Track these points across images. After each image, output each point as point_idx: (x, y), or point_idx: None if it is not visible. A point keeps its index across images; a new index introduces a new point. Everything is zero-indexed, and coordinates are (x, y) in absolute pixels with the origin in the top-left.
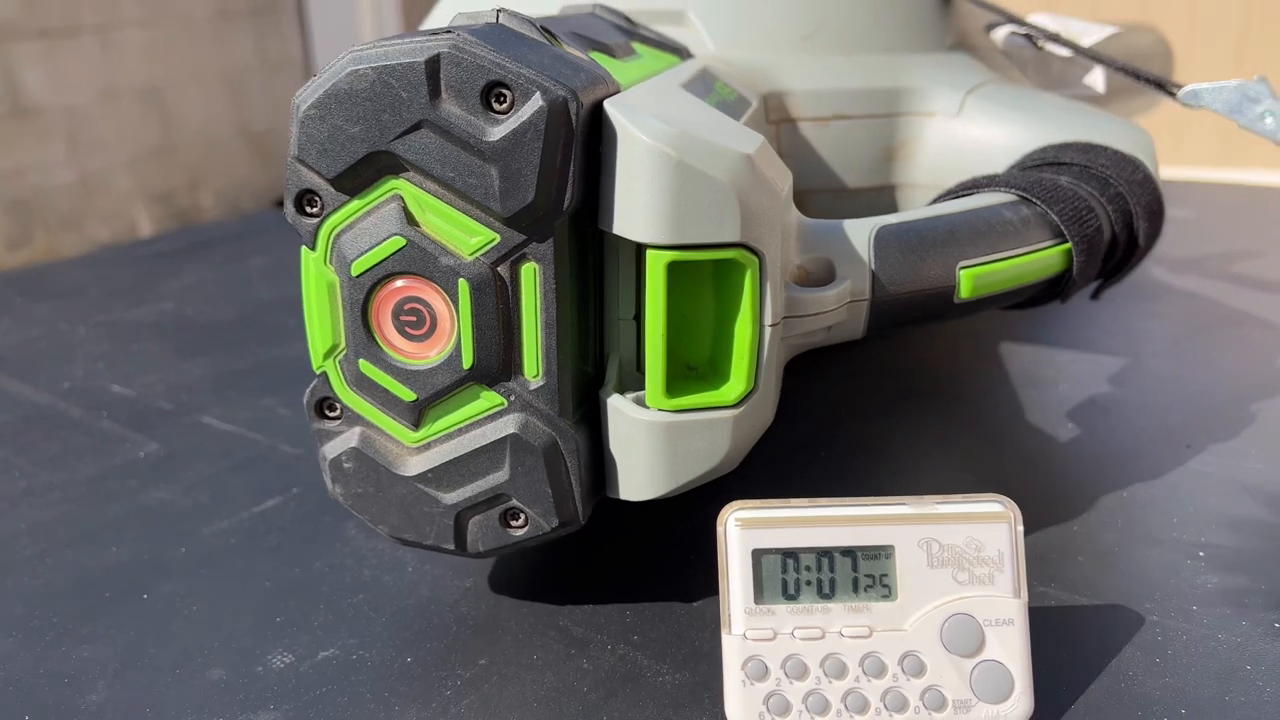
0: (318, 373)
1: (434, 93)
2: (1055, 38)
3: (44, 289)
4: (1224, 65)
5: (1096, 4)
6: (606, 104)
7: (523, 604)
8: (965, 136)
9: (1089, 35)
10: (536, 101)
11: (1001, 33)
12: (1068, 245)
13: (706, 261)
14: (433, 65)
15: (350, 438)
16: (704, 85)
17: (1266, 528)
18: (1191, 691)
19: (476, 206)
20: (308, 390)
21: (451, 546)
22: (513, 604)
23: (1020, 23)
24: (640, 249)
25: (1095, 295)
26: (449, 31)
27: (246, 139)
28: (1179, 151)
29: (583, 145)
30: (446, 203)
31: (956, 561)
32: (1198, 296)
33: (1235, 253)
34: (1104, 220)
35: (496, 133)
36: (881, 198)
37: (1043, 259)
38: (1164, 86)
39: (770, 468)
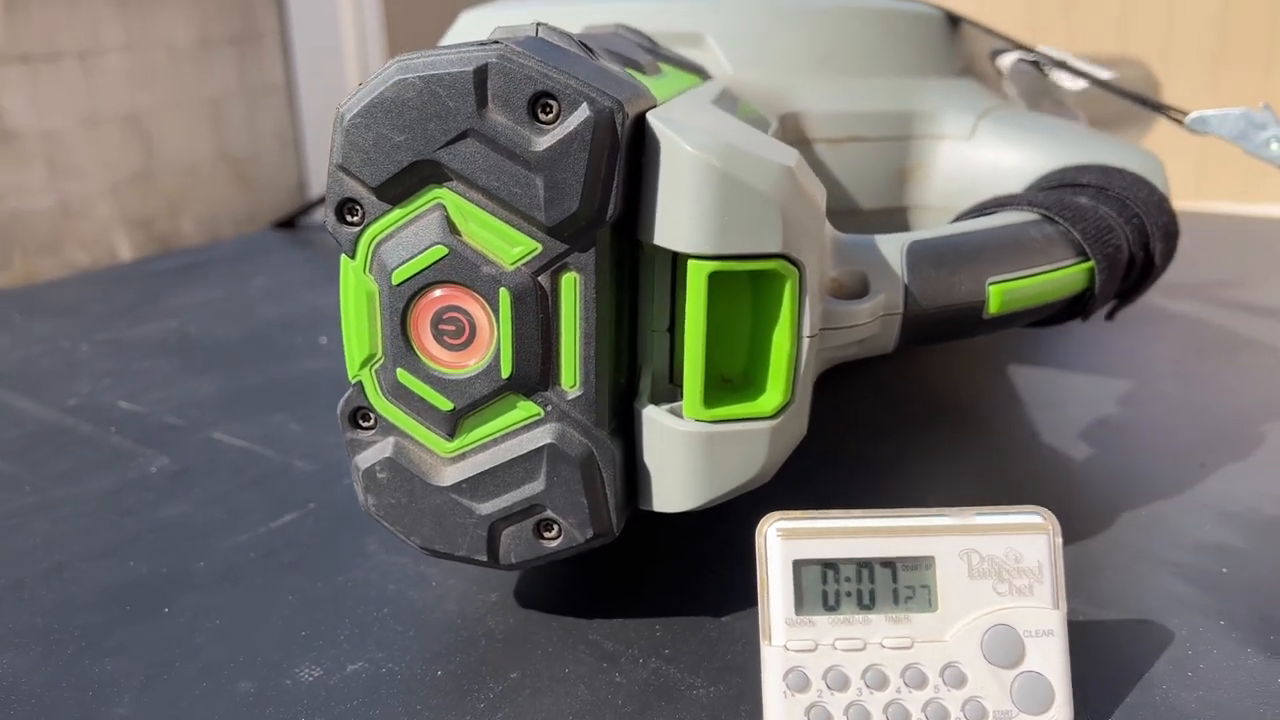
0: (353, 382)
1: (481, 102)
2: (1061, 64)
3: (42, 307)
4: (1201, 93)
5: (1073, 34)
6: (649, 116)
7: (550, 618)
8: (978, 159)
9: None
10: (584, 112)
11: (1008, 59)
12: (1090, 263)
13: (744, 273)
14: (480, 75)
15: (385, 448)
16: (730, 104)
17: None
18: (1226, 705)
19: (519, 216)
20: (342, 400)
21: (484, 558)
22: (541, 618)
23: (1026, 49)
24: (676, 260)
25: (1110, 316)
26: (496, 43)
27: (227, 165)
28: (1200, 188)
29: (626, 156)
30: (489, 212)
31: (997, 573)
32: (1199, 321)
33: (1239, 280)
34: (1123, 240)
35: (543, 142)
36: (894, 220)
37: (1067, 276)
38: (1170, 113)
39: (785, 483)
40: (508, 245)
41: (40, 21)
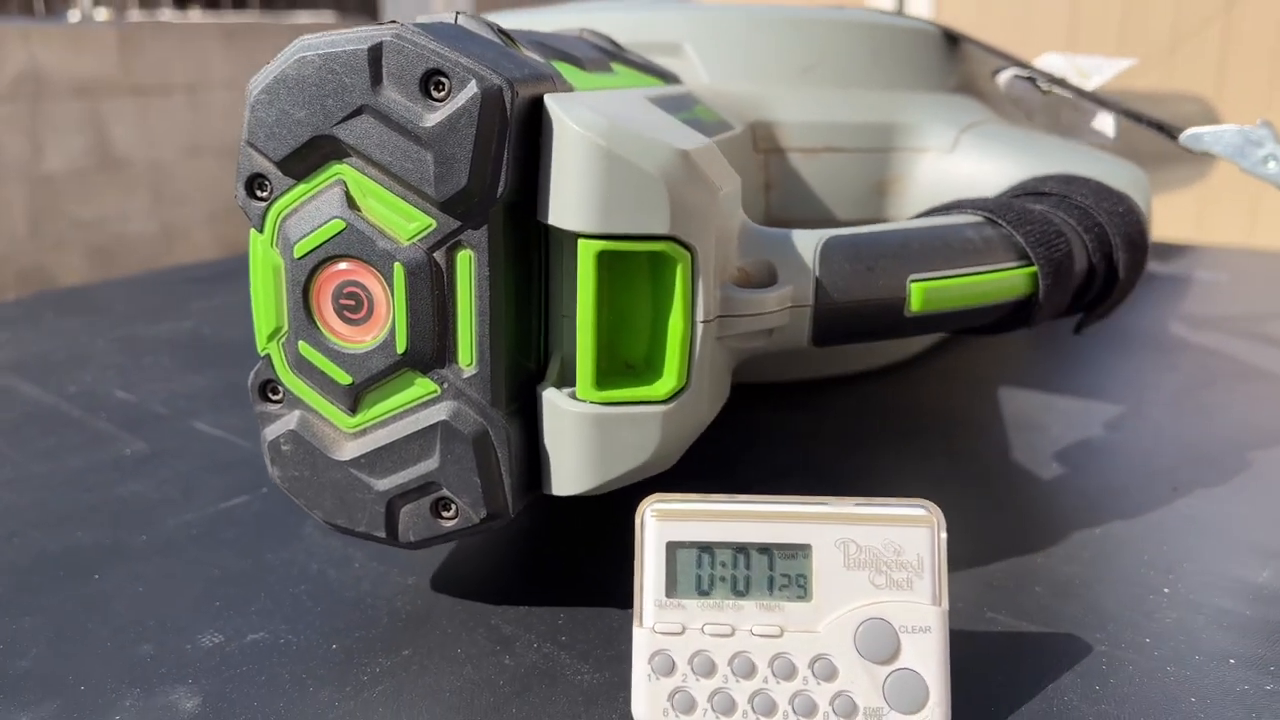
0: (262, 355)
1: (376, 79)
2: (1059, 81)
3: (75, 307)
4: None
5: (1074, 44)
6: (546, 97)
7: (460, 602)
8: (957, 172)
9: (1100, 72)
10: (472, 89)
11: (1005, 76)
12: (1033, 269)
13: (643, 258)
14: (375, 53)
15: (289, 421)
16: (678, 104)
17: (1238, 570)
18: (1124, 717)
19: (414, 192)
20: (252, 373)
21: (383, 534)
22: (450, 601)
23: (1023, 66)
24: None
25: (1078, 329)
26: (394, 24)
27: None
28: (1202, 225)
29: (519, 135)
30: (386, 188)
31: (874, 564)
32: (1215, 352)
33: (1262, 314)
34: (1079, 248)
35: (433, 119)
36: None
37: (1004, 279)
38: (1166, 130)
39: (746, 491)
40: (404, 221)
41: (153, 56)
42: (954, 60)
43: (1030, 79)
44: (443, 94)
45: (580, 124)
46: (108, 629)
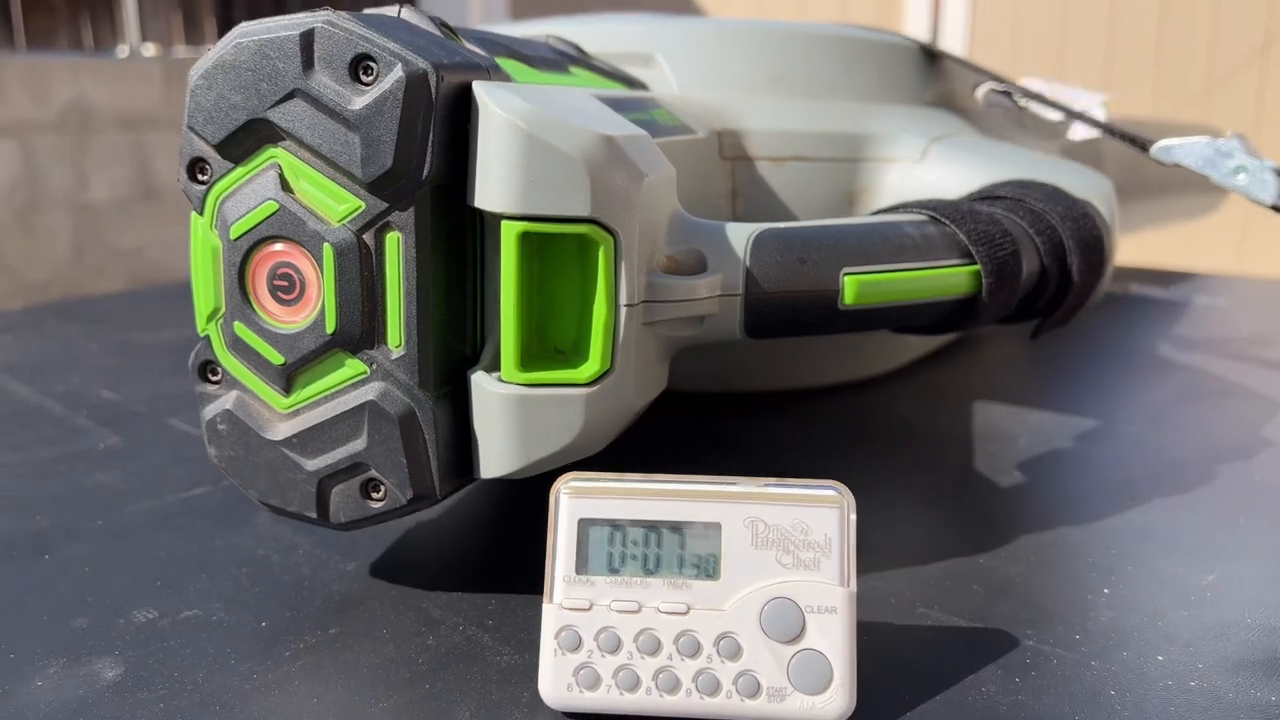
0: (201, 336)
1: (307, 64)
2: (1034, 95)
3: (78, 315)
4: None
5: (1063, 68)
6: (475, 84)
7: (396, 587)
8: (925, 181)
9: (1077, 102)
10: (397, 73)
11: (982, 90)
12: (976, 267)
13: (570, 242)
14: (307, 38)
15: (226, 401)
16: (633, 106)
17: (1183, 574)
18: (1040, 709)
19: (343, 174)
20: (192, 354)
21: (314, 514)
22: (384, 586)
23: (999, 80)
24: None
25: (1034, 335)
26: (327, 10)
27: None
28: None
29: (446, 119)
30: (318, 170)
31: (782, 543)
32: (1201, 372)
33: (1253, 337)
34: (1029, 250)
35: (360, 102)
36: None
37: (943, 276)
38: (1136, 142)
39: None
40: (335, 203)
41: None
42: (931, 75)
43: (1006, 93)
44: (370, 78)
45: (503, 108)
46: (46, 604)
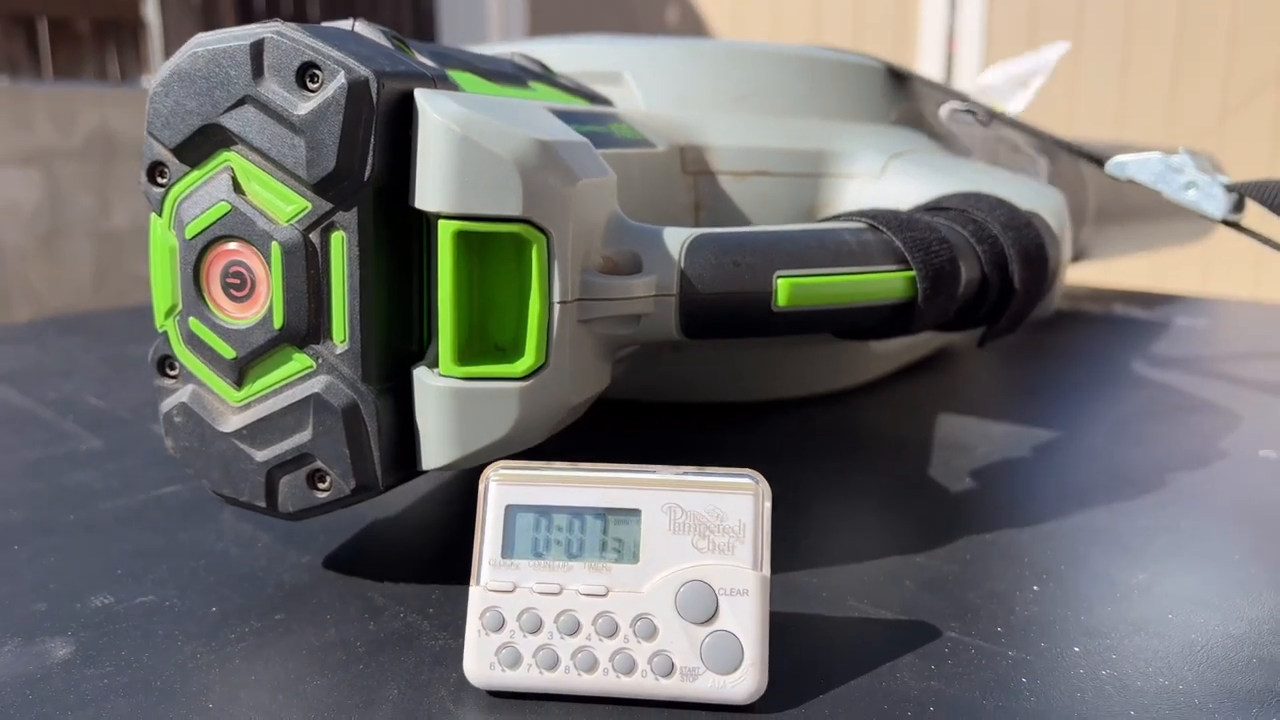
0: (160, 332)
1: (257, 72)
2: (997, 115)
3: (80, 329)
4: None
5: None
6: (416, 91)
7: (344, 578)
8: (883, 195)
9: (1040, 70)
10: (340, 80)
11: (946, 110)
12: (912, 273)
13: (508, 241)
14: (257, 48)
15: (183, 394)
16: (588, 119)
17: (1117, 573)
18: (950, 694)
19: (291, 176)
20: (151, 349)
21: (263, 504)
22: (335, 577)
23: (962, 99)
24: None
25: (981, 343)
26: (277, 21)
27: None
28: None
29: (388, 123)
30: (268, 173)
31: (698, 529)
32: (1169, 388)
33: (1226, 355)
34: (969, 258)
35: (305, 107)
36: None
37: (878, 281)
38: (1092, 158)
39: None
40: (284, 204)
41: None
42: (897, 95)
43: (969, 111)
44: (316, 85)
45: (440, 113)
46: (9, 589)
